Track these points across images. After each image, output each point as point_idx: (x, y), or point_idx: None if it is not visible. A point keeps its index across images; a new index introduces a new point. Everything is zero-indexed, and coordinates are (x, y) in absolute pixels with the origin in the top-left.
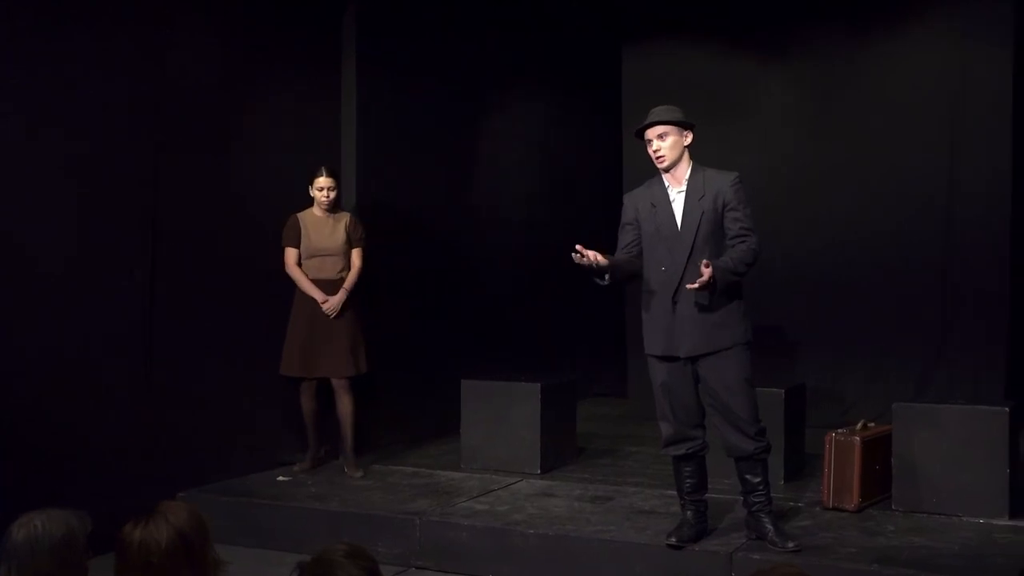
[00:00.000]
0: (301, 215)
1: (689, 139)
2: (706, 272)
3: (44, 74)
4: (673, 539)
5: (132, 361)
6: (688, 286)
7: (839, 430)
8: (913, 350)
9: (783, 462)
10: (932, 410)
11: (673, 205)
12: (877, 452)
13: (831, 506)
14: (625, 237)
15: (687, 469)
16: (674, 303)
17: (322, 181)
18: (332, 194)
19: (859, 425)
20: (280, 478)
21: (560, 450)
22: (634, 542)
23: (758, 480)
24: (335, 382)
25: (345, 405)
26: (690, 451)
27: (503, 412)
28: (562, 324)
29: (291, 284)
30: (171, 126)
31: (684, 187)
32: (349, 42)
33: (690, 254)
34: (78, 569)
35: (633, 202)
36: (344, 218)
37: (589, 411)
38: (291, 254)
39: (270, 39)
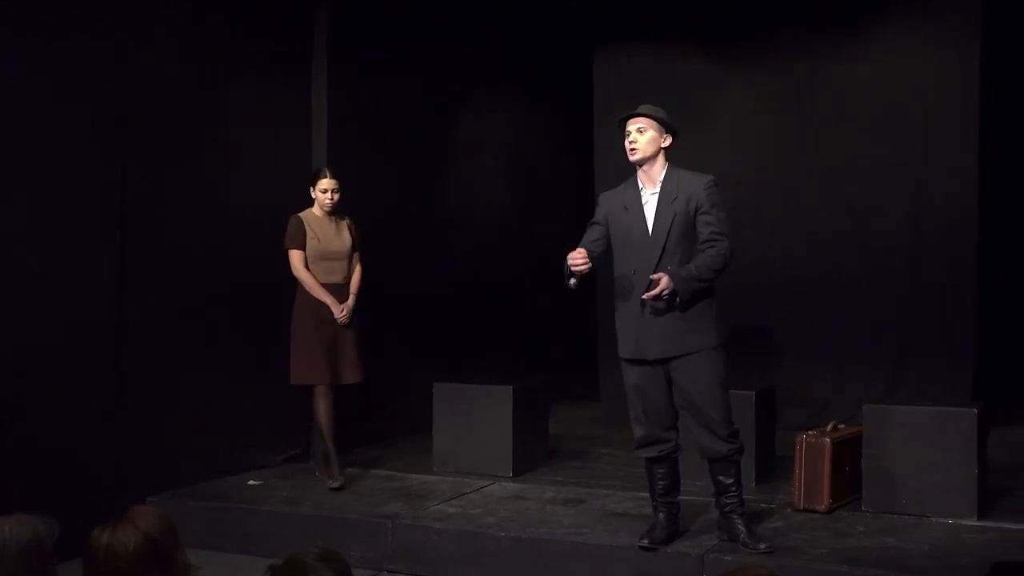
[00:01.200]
0: (303, 215)
1: (668, 142)
2: (661, 284)
3: (7, 73)
4: (645, 541)
5: (101, 364)
6: (643, 296)
7: (809, 432)
8: (882, 352)
9: (754, 464)
10: (902, 411)
11: (645, 208)
12: (847, 453)
13: (802, 507)
14: (590, 234)
15: (660, 471)
16: (643, 306)
17: (326, 183)
18: (336, 196)
19: (829, 427)
20: (252, 482)
21: (532, 453)
22: (606, 544)
23: (731, 481)
24: (323, 387)
25: (335, 412)
26: (662, 453)
27: (475, 415)
28: (534, 327)
29: (268, 283)
30: (140, 124)
31: (658, 189)
32: (320, 42)
33: (660, 257)
34: (46, 575)
35: (607, 202)
36: (346, 221)
37: (561, 414)
38: (298, 256)
39: (241, 38)
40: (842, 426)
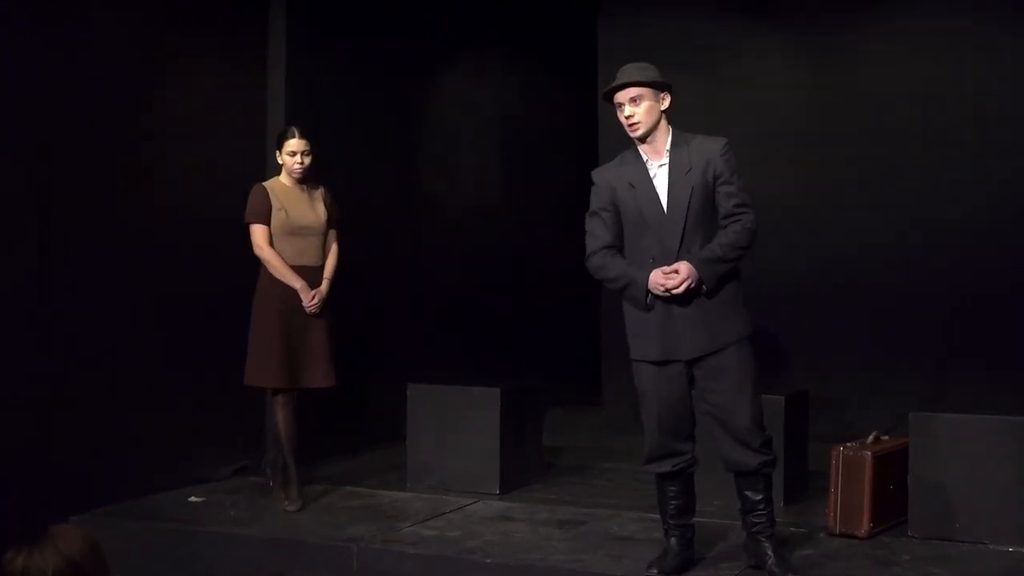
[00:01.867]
0: (268, 184)
1: (666, 102)
2: (680, 275)
3: None
4: (655, 570)
5: (16, 368)
6: (654, 291)
7: (847, 444)
8: (930, 353)
9: (783, 480)
10: (954, 420)
11: (655, 182)
12: (891, 469)
13: (838, 532)
14: (603, 229)
15: (672, 489)
16: (668, 300)
17: (294, 144)
18: (307, 160)
19: (870, 438)
20: (193, 499)
21: (523, 466)
22: (609, 574)
23: (759, 498)
24: (287, 395)
25: (298, 421)
26: (676, 468)
27: (456, 422)
28: (526, 321)
29: (216, 272)
30: (65, 105)
31: (666, 159)
32: (277, 2)
33: (681, 240)
34: None
35: (606, 182)
36: (320, 191)
37: (557, 421)
38: (261, 232)
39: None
40: (885, 437)
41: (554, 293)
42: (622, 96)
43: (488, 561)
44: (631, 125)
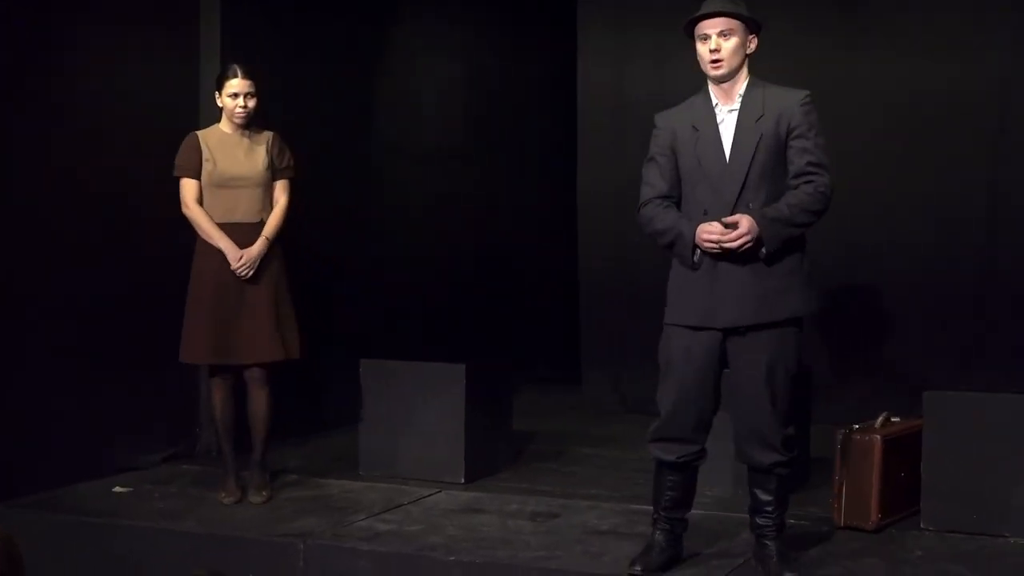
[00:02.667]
0: (202, 133)
1: (753, 46)
2: (741, 228)
3: None
4: (637, 567)
5: None
6: (711, 245)
7: (854, 426)
8: (947, 329)
9: None
10: (974, 400)
11: (721, 128)
12: (902, 455)
13: (843, 524)
14: (659, 177)
15: (671, 479)
16: (716, 258)
17: (236, 84)
18: (251, 103)
19: (880, 420)
20: (117, 489)
21: (491, 452)
22: (587, 572)
23: (769, 499)
24: (250, 371)
25: (259, 402)
26: (681, 459)
27: (416, 402)
28: (494, 288)
29: (141, 238)
30: None
31: (737, 105)
32: None
33: (740, 193)
34: None
35: (668, 124)
36: (265, 138)
37: (530, 401)
38: (189, 188)
39: None
40: (896, 419)
41: (529, 261)
42: (710, 26)
43: (451, 559)
44: (715, 61)
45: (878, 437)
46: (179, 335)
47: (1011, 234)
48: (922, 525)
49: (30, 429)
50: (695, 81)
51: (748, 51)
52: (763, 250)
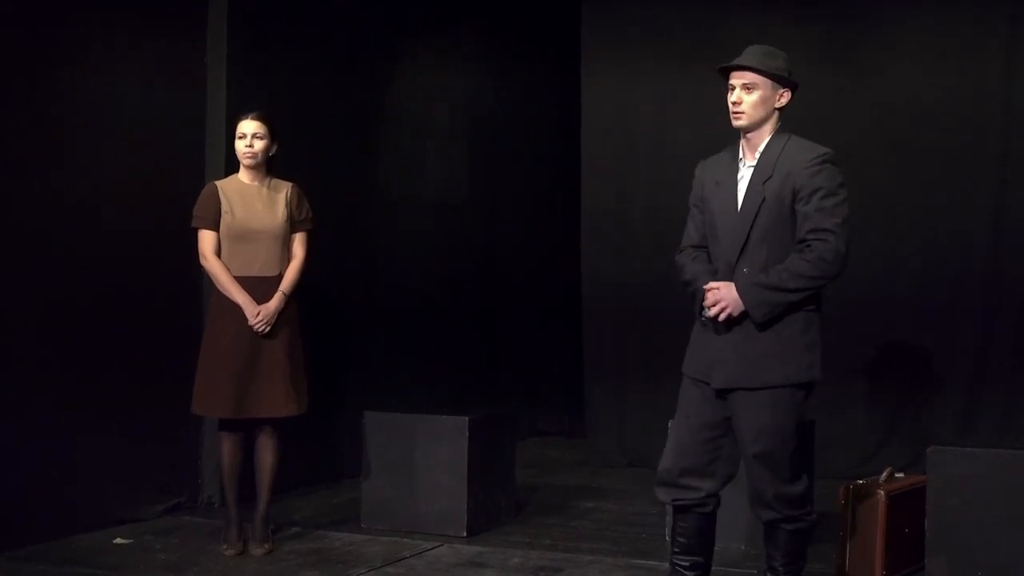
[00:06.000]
0: (222, 183)
1: (784, 100)
2: (714, 295)
3: None
4: None
5: None
6: (705, 313)
7: (858, 481)
8: (952, 382)
9: None
10: (979, 456)
11: (740, 184)
12: (907, 510)
13: None
14: (694, 227)
15: (681, 525)
16: (715, 318)
17: (244, 125)
18: (259, 144)
19: (884, 475)
20: (118, 540)
21: (494, 505)
22: None
23: (774, 552)
24: (261, 424)
25: (267, 455)
26: (678, 503)
27: (419, 455)
28: (499, 341)
29: (149, 283)
30: None
31: (755, 161)
32: None
33: (740, 255)
34: None
35: (701, 174)
36: (284, 188)
37: (533, 454)
38: (207, 239)
39: None
40: (900, 475)
41: (533, 308)
42: (736, 78)
43: None
44: (735, 114)
45: (882, 493)
46: (182, 383)
47: (1016, 283)
48: None
49: (30, 478)
50: (698, 112)
51: (777, 105)
52: (749, 315)
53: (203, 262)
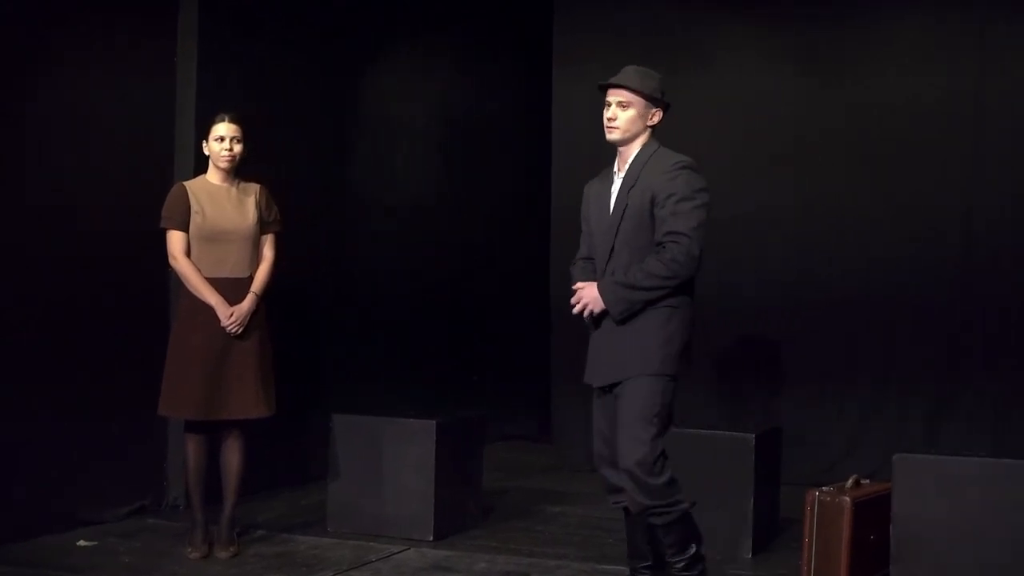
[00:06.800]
0: (190, 184)
1: (656, 119)
2: (577, 295)
3: None
4: None
5: None
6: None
7: (823, 488)
8: (919, 387)
9: (751, 527)
10: (944, 464)
11: (612, 196)
12: (872, 517)
13: None
14: (584, 240)
15: (627, 526)
16: (593, 321)
17: (222, 128)
18: (237, 147)
19: (849, 482)
20: (82, 543)
21: (461, 509)
22: None
23: (647, 550)
24: (228, 426)
25: (234, 457)
26: (616, 505)
27: (386, 458)
28: (469, 344)
29: (112, 280)
30: None
31: (624, 172)
32: None
33: (608, 259)
34: None
35: (588, 191)
36: (253, 190)
37: (500, 458)
38: (176, 240)
39: None
40: (865, 481)
41: (503, 311)
42: (612, 95)
43: None
44: (609, 128)
45: (848, 499)
46: (147, 384)
47: (985, 285)
48: None
49: None
50: (667, 115)
51: (650, 123)
52: (610, 313)
53: (172, 263)
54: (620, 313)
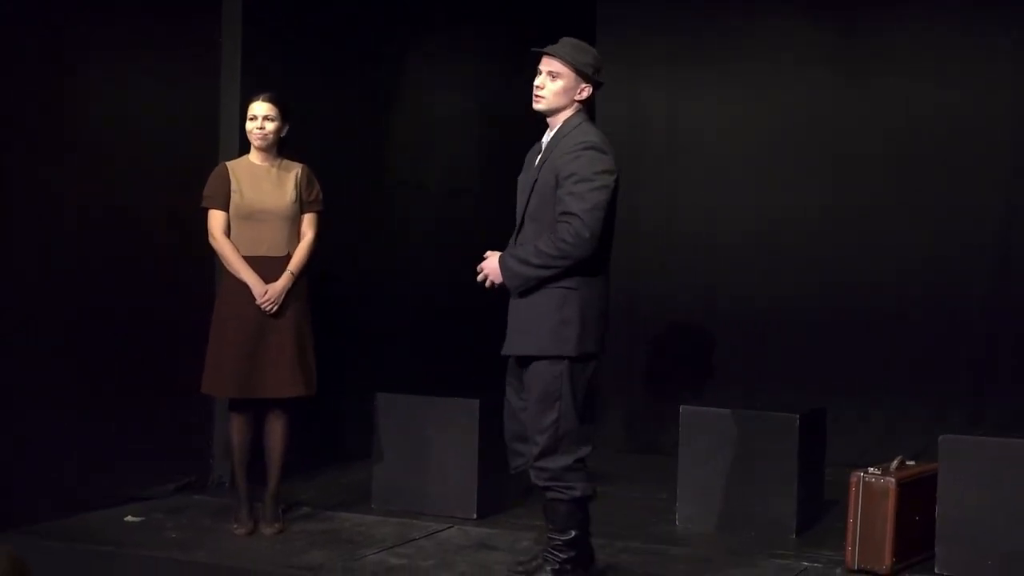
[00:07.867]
0: (232, 164)
1: (585, 94)
2: (481, 265)
3: None
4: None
5: None
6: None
7: (869, 469)
8: (964, 369)
9: (796, 509)
10: (990, 445)
11: (535, 167)
12: (917, 498)
13: (856, 568)
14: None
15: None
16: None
17: (255, 107)
18: (270, 125)
19: (895, 463)
20: (129, 518)
21: (503, 488)
22: None
23: (550, 527)
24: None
25: (277, 435)
26: (516, 469)
27: (429, 437)
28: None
29: (159, 260)
30: None
31: (545, 145)
32: None
33: (517, 233)
34: None
35: (526, 157)
36: (294, 169)
37: None
38: (218, 218)
39: None
40: (911, 462)
41: None
42: (543, 64)
43: None
44: (536, 96)
45: (893, 481)
46: (194, 364)
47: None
48: (936, 570)
49: (42, 457)
50: (708, 111)
51: (578, 97)
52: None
53: (212, 242)
54: (515, 288)
